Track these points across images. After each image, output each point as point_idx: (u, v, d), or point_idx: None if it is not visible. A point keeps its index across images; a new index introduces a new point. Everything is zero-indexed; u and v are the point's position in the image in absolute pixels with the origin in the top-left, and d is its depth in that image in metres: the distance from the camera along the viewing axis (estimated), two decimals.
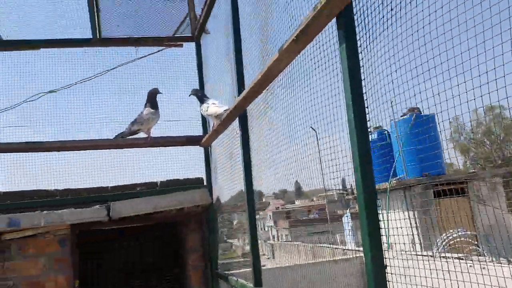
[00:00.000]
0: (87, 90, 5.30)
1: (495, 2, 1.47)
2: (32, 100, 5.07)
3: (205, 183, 5.35)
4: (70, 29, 5.21)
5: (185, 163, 5.63)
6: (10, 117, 4.95)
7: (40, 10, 4.98)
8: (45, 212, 4.60)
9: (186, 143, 5.14)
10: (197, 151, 5.55)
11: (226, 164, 4.57)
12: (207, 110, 4.30)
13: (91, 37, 5.23)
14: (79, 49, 5.36)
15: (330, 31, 2.19)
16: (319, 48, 2.32)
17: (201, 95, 4.55)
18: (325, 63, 2.37)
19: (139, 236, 6.43)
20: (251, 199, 3.64)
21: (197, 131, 5.47)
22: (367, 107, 1.94)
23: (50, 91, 5.16)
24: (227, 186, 4.72)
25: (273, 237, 43.66)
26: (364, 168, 1.88)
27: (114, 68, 5.39)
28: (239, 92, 3.69)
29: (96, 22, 5.06)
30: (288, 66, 2.66)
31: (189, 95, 4.65)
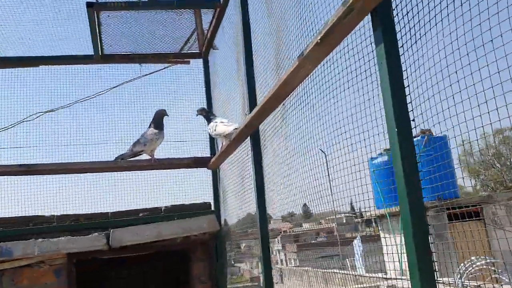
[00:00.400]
0: (87, 109, 5.02)
1: None
2: (29, 120, 4.77)
3: (212, 208, 4.99)
4: (70, 45, 4.95)
5: (191, 187, 5.28)
6: (5, 138, 4.65)
7: (39, 26, 4.72)
8: (39, 240, 4.24)
9: (193, 165, 4.79)
10: (204, 174, 5.21)
11: (235, 188, 4.21)
12: (215, 130, 3.95)
13: (92, 53, 4.95)
14: (80, 66, 5.09)
15: (362, 31, 1.86)
16: (348, 52, 1.99)
17: (208, 114, 4.22)
18: (353, 70, 2.03)
19: (141, 264, 6.01)
20: (264, 227, 3.26)
21: (205, 152, 5.15)
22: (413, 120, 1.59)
23: (48, 111, 4.87)
24: (237, 211, 4.36)
25: (281, 260, 42.80)
26: (410, 183, 1.53)
27: (116, 86, 5.11)
28: (251, 108, 3.36)
29: (98, 37, 4.79)
30: (309, 76, 2.33)
31: (196, 115, 4.33)
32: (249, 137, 3.45)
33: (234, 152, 3.96)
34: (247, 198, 3.88)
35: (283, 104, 2.74)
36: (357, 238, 19.85)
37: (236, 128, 3.57)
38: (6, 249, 4.08)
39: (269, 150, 3.31)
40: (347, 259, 23.06)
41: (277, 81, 2.41)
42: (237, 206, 4.27)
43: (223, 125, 3.87)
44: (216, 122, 4.00)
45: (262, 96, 3.36)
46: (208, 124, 4.21)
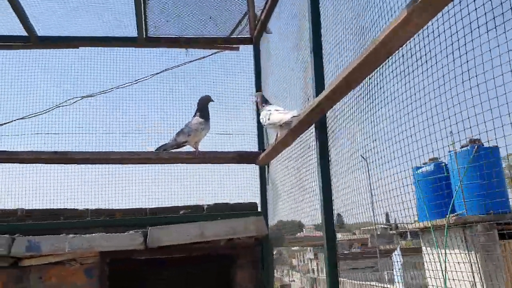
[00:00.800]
0: (128, 96, 4.62)
1: None
2: (65, 105, 4.42)
3: (259, 209, 4.48)
4: (113, 26, 4.58)
5: (234, 184, 4.78)
6: (40, 123, 4.30)
7: (79, 4, 4.36)
8: (70, 235, 3.85)
9: (240, 160, 4.30)
10: (249, 171, 4.72)
11: (290, 187, 3.68)
12: (268, 119, 3.43)
13: (136, 35, 4.56)
14: (122, 49, 4.71)
15: None
16: None
17: (262, 100, 3.71)
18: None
19: (184, 265, 5.45)
20: (331, 234, 2.73)
21: (251, 147, 4.66)
22: None
23: (86, 96, 4.51)
24: (289, 214, 3.85)
25: (313, 270, 42.01)
26: None
27: (160, 72, 4.70)
28: (318, 92, 2.85)
29: (143, 17, 4.40)
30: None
31: (254, 102, 3.85)
32: (313, 126, 2.93)
33: (291, 144, 3.44)
34: (304, 199, 3.36)
35: (370, 77, 2.19)
36: (397, 250, 18.93)
37: (295, 116, 3.05)
38: (35, 243, 3.70)
39: (338, 142, 2.78)
40: (385, 272, 22.10)
41: (370, 44, 1.88)
42: (291, 207, 3.75)
43: (279, 113, 3.35)
44: (269, 110, 3.49)
45: (332, 77, 2.85)
46: (260, 112, 3.72)
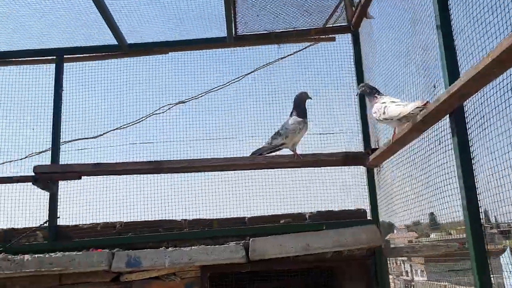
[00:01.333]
0: (219, 99, 4.37)
1: None
2: (158, 113, 4.27)
3: (368, 217, 4.00)
4: (200, 28, 4.35)
5: (335, 189, 4.32)
6: (134, 133, 4.18)
7: (167, 9, 4.18)
8: (170, 249, 3.65)
9: (346, 163, 3.85)
10: (353, 173, 4.24)
11: (411, 191, 3.17)
12: (384, 112, 2.94)
13: (225, 35, 4.30)
14: (211, 51, 4.47)
15: None
16: None
17: (373, 91, 3.22)
18: None
19: (282, 279, 5.07)
20: (479, 243, 2.21)
21: (353, 146, 4.19)
22: None
23: (178, 103, 4.33)
24: (408, 221, 3.34)
25: (406, 272, 40.06)
26: None
27: (252, 72, 4.40)
28: (450, 75, 2.34)
29: (232, 16, 4.12)
30: None
31: (357, 94, 3.39)
32: (447, 117, 2.42)
33: (413, 141, 2.94)
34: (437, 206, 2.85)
35: None
36: (507, 251, 17.14)
37: (418, 107, 2.55)
38: (134, 259, 3.54)
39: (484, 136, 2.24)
40: (492, 275, 20.18)
41: None
42: (409, 215, 3.24)
43: (397, 105, 2.85)
44: (384, 102, 3.01)
45: (466, 58, 2.33)
46: (370, 106, 3.25)
